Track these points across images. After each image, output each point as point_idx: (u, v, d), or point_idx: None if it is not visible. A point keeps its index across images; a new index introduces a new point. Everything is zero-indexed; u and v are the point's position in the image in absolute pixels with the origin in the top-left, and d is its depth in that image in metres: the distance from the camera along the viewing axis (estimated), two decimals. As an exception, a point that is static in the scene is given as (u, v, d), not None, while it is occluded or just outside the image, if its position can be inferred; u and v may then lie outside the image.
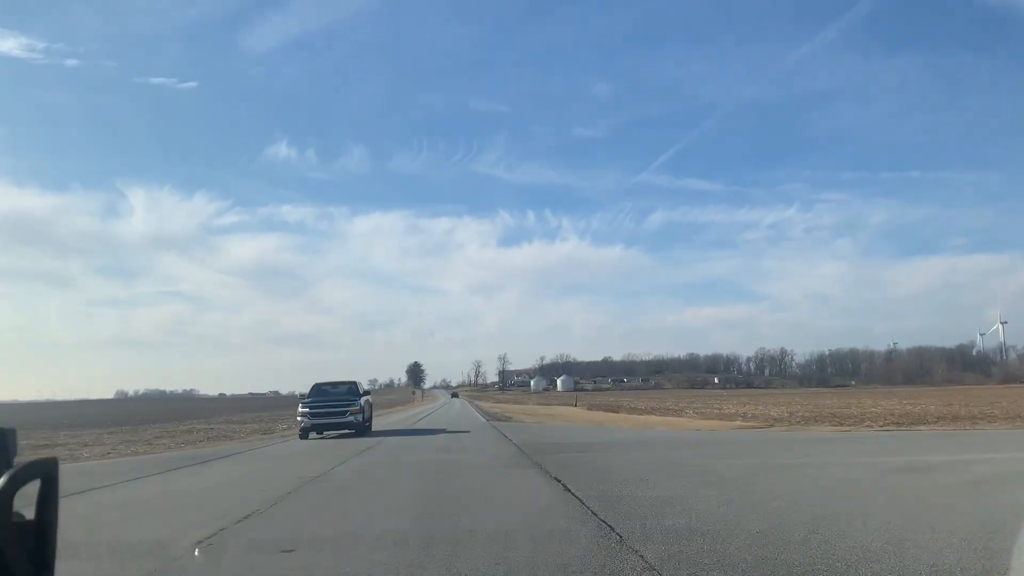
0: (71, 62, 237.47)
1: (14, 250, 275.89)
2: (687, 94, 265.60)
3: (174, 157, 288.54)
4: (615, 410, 54.68)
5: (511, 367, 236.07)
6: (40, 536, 0.95)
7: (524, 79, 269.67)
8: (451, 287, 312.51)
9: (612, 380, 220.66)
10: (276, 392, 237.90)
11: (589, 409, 58.50)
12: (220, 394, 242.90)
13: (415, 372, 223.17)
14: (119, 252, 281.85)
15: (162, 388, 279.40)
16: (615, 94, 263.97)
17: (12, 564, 0.91)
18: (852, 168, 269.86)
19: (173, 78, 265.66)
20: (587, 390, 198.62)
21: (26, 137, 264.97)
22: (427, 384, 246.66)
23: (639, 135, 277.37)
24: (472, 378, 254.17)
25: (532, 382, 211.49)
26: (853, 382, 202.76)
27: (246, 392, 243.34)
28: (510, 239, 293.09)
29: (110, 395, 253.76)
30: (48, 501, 0.98)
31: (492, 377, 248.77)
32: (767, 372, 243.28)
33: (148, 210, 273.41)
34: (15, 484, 0.92)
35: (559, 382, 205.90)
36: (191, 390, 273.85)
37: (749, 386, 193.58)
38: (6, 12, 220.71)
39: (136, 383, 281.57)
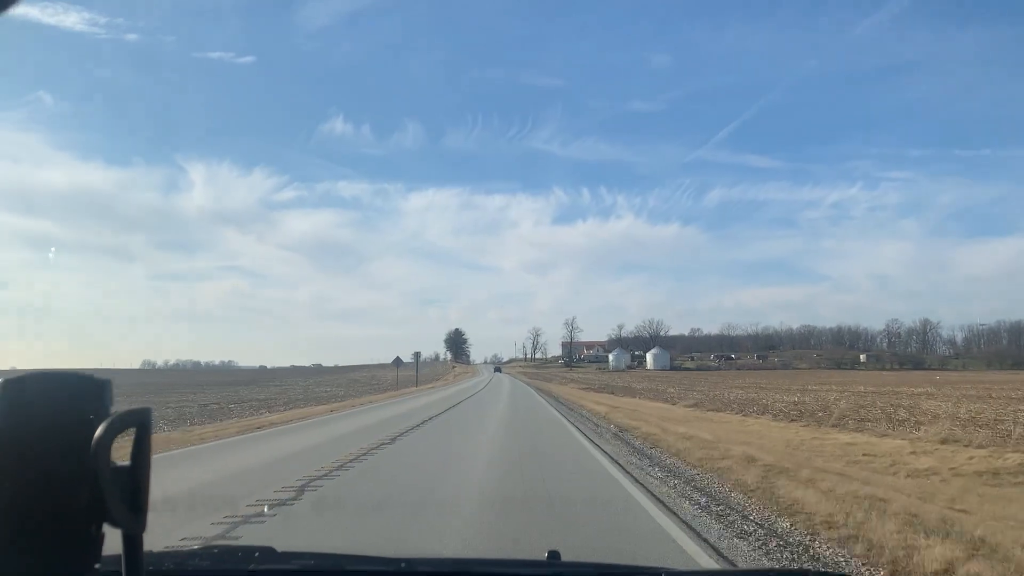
0: (131, 37, 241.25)
1: (79, 224, 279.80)
2: (749, 67, 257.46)
3: (233, 132, 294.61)
4: None
5: (581, 338, 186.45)
6: (135, 481, 1.00)
7: (580, 52, 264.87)
8: (505, 264, 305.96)
9: (715, 356, 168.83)
10: (319, 364, 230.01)
11: None
12: (261, 366, 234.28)
13: (455, 341, 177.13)
14: (180, 227, 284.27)
15: (197, 359, 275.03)
16: (674, 66, 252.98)
17: (111, 506, 0.97)
18: (920, 145, 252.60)
19: (231, 52, 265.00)
20: (687, 368, 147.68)
21: (90, 112, 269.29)
22: (478, 359, 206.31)
23: (698, 109, 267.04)
24: (529, 351, 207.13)
25: (611, 357, 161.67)
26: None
27: (288, 364, 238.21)
28: (564, 216, 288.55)
29: (136, 365, 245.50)
30: (142, 448, 1.02)
31: (554, 350, 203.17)
32: (907, 348, 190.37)
33: (208, 185, 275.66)
34: (114, 431, 0.97)
35: (650, 358, 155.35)
36: (229, 361, 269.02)
37: (917, 366, 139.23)
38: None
39: (181, 355, 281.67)
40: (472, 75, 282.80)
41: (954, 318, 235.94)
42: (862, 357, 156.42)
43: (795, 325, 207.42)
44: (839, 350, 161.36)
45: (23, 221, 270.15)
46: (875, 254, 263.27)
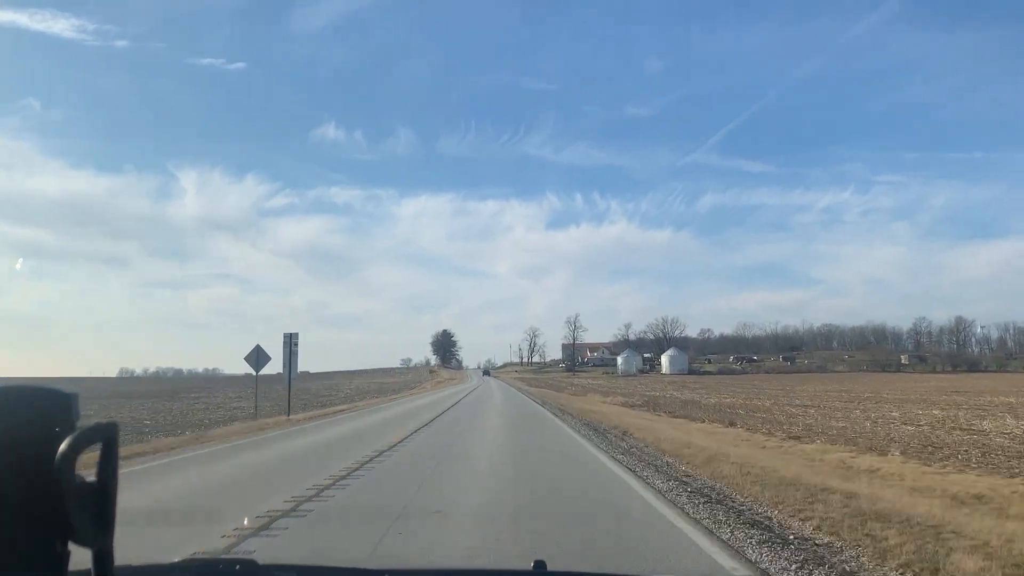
0: (121, 43, 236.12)
1: (71, 231, 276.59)
2: (741, 71, 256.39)
3: (224, 139, 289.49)
4: None
5: (584, 339, 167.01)
6: (101, 497, 0.96)
7: (573, 56, 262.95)
8: (498, 270, 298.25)
9: (735, 358, 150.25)
10: (305, 372, 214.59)
11: None
12: (246, 373, 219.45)
13: (443, 345, 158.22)
14: (171, 234, 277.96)
15: (180, 367, 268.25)
16: (667, 71, 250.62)
17: (76, 523, 0.94)
18: (912, 148, 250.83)
19: (221, 59, 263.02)
20: (708, 372, 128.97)
21: (81, 119, 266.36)
22: (471, 364, 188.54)
23: (691, 114, 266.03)
24: (526, 354, 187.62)
25: (620, 360, 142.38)
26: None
27: (275, 372, 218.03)
28: (558, 222, 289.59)
29: (114, 373, 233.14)
30: (109, 463, 0.98)
31: (552, 354, 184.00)
32: (939, 347, 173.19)
33: (199, 192, 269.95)
34: (78, 446, 0.94)
35: (665, 360, 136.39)
36: (214, 369, 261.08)
37: (972, 368, 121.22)
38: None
39: (164, 363, 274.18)
40: (465, 80, 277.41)
41: (948, 320, 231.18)
42: (903, 358, 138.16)
43: (816, 324, 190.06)
44: (881, 351, 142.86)
45: (13, 229, 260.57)
46: (868, 257, 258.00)
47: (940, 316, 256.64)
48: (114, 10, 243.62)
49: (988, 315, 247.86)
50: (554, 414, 27.20)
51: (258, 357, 25.74)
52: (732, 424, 19.70)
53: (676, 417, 23.81)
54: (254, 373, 26.60)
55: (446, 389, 68.61)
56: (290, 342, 27.31)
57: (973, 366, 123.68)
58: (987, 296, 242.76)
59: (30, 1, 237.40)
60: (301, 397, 57.36)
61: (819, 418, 24.85)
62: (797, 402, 39.09)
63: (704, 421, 21.38)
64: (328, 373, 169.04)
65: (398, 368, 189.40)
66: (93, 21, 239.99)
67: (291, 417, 26.23)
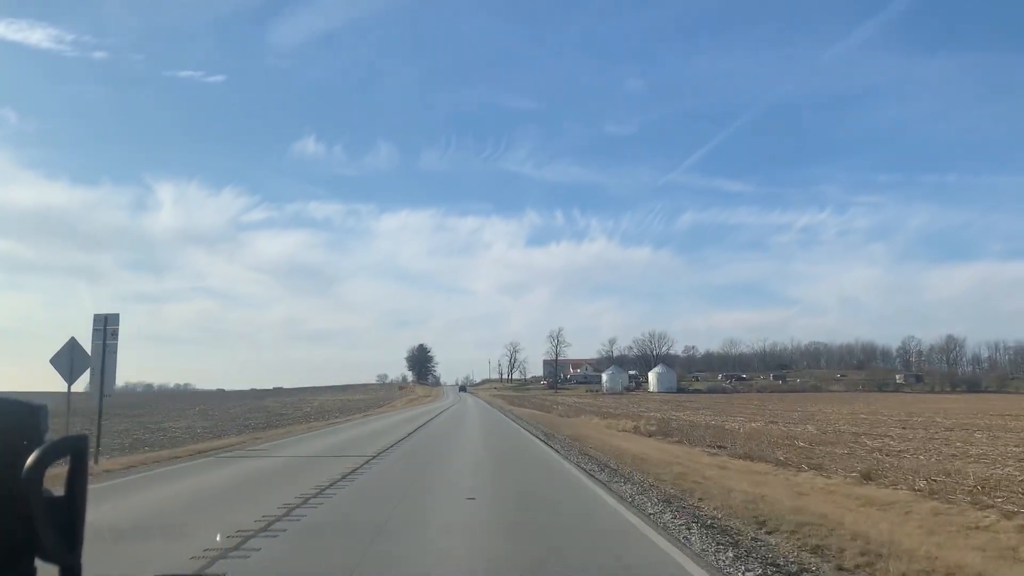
0: (99, 55, 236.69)
1: (45, 243, 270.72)
2: (721, 91, 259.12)
3: (202, 152, 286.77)
4: None
5: (566, 355, 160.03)
6: (70, 512, 0.94)
7: (555, 75, 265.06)
8: (478, 286, 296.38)
9: (724, 376, 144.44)
10: (280, 387, 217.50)
11: None
12: (219, 389, 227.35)
13: (419, 360, 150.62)
14: (147, 247, 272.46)
15: (151, 382, 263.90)
16: (648, 90, 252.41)
17: (43, 538, 0.92)
18: (889, 170, 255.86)
19: (201, 71, 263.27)
20: (697, 390, 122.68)
21: (56, 130, 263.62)
22: (449, 380, 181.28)
23: (671, 133, 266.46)
24: (506, 371, 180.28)
25: (605, 376, 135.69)
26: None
27: (248, 388, 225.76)
28: (538, 239, 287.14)
29: (81, 388, 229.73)
30: (78, 477, 0.97)
31: (533, 370, 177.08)
32: (928, 365, 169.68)
33: (176, 205, 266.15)
34: (47, 459, 0.92)
35: (653, 377, 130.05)
36: (186, 384, 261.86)
37: (972, 388, 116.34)
38: (35, 4, 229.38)
39: (133, 378, 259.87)
40: (446, 96, 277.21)
41: (937, 339, 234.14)
42: (898, 378, 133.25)
43: (804, 341, 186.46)
44: (877, 370, 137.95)
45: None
46: (846, 277, 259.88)
47: (919, 335, 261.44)
48: (92, 21, 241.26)
49: (965, 334, 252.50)
50: (585, 468, 14.85)
51: (72, 358, 15.34)
52: (868, 478, 12.55)
53: (747, 459, 16.49)
54: (68, 384, 16.20)
55: (415, 408, 61.38)
56: (104, 331, 16.28)
57: (973, 386, 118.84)
58: (963, 317, 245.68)
59: (6, 10, 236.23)
60: (252, 416, 49.50)
61: (932, 456, 18.07)
62: (842, 428, 32.41)
63: (821, 471, 13.93)
64: (301, 389, 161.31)
65: (373, 384, 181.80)
66: (71, 32, 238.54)
67: (99, 466, 15.27)
